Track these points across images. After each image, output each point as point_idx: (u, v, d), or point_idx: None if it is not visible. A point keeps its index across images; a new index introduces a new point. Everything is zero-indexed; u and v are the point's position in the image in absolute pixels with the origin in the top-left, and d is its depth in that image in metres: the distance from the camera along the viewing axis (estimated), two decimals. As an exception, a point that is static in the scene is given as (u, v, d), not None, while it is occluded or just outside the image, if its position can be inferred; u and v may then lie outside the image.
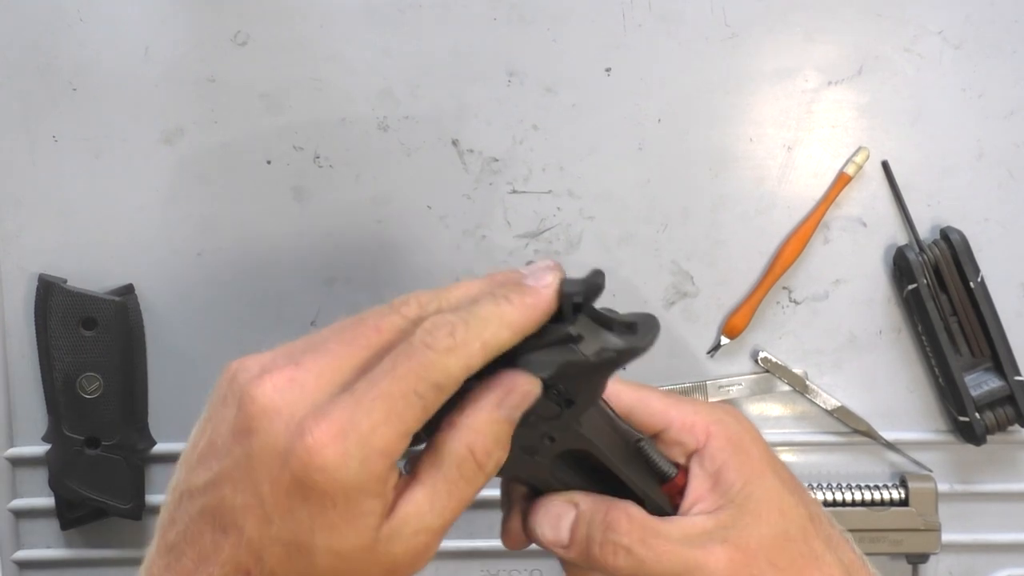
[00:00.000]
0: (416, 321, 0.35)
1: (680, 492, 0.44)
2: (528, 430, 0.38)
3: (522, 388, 0.36)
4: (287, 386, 0.33)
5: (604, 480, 0.43)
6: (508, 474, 0.44)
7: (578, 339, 0.36)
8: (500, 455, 0.36)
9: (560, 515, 0.43)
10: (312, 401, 0.33)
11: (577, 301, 0.37)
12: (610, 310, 0.38)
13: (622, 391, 0.45)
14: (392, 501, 0.35)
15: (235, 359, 0.35)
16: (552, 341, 0.36)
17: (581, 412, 0.39)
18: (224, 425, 0.34)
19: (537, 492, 0.44)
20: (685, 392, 0.67)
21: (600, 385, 0.39)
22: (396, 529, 0.34)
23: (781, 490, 0.43)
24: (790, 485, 0.44)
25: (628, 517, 0.42)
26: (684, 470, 0.44)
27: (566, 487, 0.44)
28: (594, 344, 0.36)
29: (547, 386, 0.37)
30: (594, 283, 0.37)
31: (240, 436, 0.33)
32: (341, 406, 0.32)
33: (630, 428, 0.43)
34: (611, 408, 0.42)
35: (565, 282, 0.37)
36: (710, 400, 0.67)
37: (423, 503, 0.35)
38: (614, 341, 0.37)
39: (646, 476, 0.44)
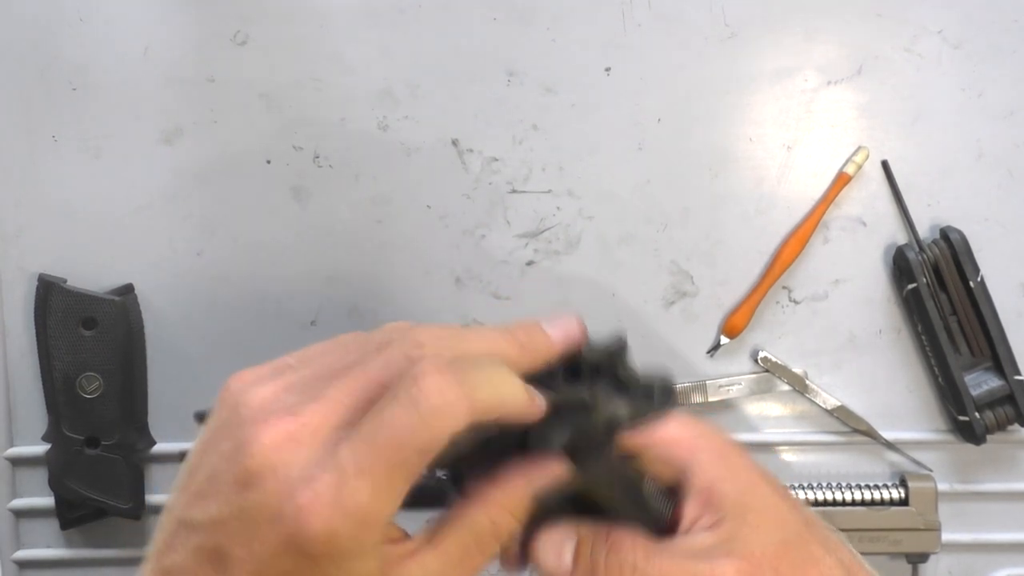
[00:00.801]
0: (415, 361, 0.34)
1: (677, 522, 0.44)
2: None
3: (554, 471, 0.38)
4: (285, 444, 0.33)
5: (601, 513, 0.43)
6: None
7: (592, 405, 0.36)
8: (517, 529, 0.38)
9: (562, 542, 0.43)
10: (307, 458, 0.33)
11: (595, 365, 0.37)
12: (628, 368, 0.38)
13: None
14: (394, 558, 0.35)
15: (235, 372, 0.35)
16: (567, 404, 0.36)
17: (589, 467, 0.40)
18: (223, 463, 0.34)
19: (533, 519, 0.44)
20: (685, 392, 0.67)
21: (610, 445, 0.40)
22: None
23: (775, 498, 0.43)
24: (781, 492, 0.44)
25: (632, 537, 0.42)
26: (682, 501, 0.44)
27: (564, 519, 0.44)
28: (607, 410, 0.37)
29: None
30: (615, 350, 0.37)
31: (239, 487, 0.33)
32: (328, 477, 0.32)
33: (630, 469, 0.43)
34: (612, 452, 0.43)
35: (587, 348, 0.38)
36: (709, 400, 0.67)
37: (433, 568, 0.35)
38: (627, 408, 0.37)
39: (645, 512, 0.44)
